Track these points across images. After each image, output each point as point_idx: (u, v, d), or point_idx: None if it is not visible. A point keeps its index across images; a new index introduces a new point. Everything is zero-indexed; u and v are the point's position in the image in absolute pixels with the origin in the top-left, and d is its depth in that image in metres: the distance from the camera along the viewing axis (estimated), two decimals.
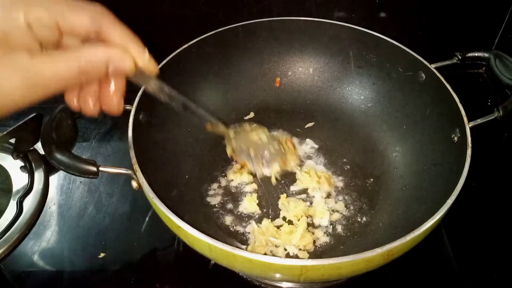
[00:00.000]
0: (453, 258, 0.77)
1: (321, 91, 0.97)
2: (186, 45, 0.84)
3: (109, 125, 1.02)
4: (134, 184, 0.65)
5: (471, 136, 0.68)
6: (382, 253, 0.53)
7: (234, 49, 0.92)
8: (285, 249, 0.74)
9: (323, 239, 0.75)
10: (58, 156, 0.63)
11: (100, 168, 0.64)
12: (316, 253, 0.74)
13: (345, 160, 0.87)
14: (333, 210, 0.79)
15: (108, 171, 0.64)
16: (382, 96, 0.91)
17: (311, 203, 0.81)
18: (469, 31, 1.05)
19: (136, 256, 0.79)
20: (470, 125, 0.69)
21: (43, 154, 0.92)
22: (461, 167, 0.64)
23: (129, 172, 0.64)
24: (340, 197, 0.81)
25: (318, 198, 0.81)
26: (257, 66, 0.96)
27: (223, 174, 0.85)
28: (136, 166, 0.64)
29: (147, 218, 0.83)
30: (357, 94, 0.94)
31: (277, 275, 0.56)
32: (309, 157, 0.88)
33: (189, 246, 0.62)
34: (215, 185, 0.84)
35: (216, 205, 0.81)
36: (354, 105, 0.94)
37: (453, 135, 0.72)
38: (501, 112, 0.71)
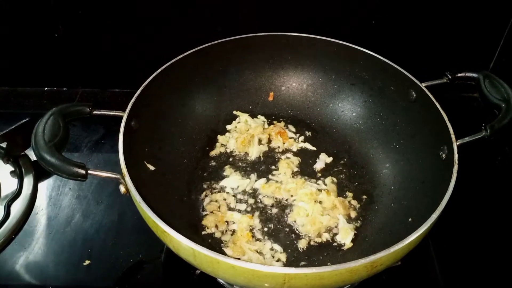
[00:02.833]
0: (439, 274, 0.77)
1: (314, 106, 0.98)
2: (181, 56, 0.85)
3: (101, 134, 1.02)
4: (122, 188, 0.65)
5: (458, 153, 0.69)
6: (365, 264, 0.53)
7: (229, 62, 0.93)
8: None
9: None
10: (48, 157, 0.64)
11: (89, 171, 0.64)
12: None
13: (335, 174, 0.87)
14: (320, 223, 0.79)
15: (97, 175, 0.65)
16: (373, 113, 0.91)
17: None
18: (465, 55, 1.06)
19: (121, 265, 0.78)
20: (457, 143, 0.70)
21: (34, 160, 0.92)
22: (447, 183, 0.64)
23: (118, 176, 0.65)
24: (329, 211, 0.81)
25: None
26: (252, 80, 0.97)
27: (213, 183, 0.85)
28: (124, 170, 0.64)
29: (134, 228, 0.82)
30: (349, 110, 0.95)
31: (261, 284, 0.55)
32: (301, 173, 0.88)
33: (175, 255, 0.62)
34: (205, 194, 0.83)
35: (207, 214, 0.80)
36: (346, 121, 0.95)
37: (441, 153, 0.73)
38: (488, 131, 0.72)
